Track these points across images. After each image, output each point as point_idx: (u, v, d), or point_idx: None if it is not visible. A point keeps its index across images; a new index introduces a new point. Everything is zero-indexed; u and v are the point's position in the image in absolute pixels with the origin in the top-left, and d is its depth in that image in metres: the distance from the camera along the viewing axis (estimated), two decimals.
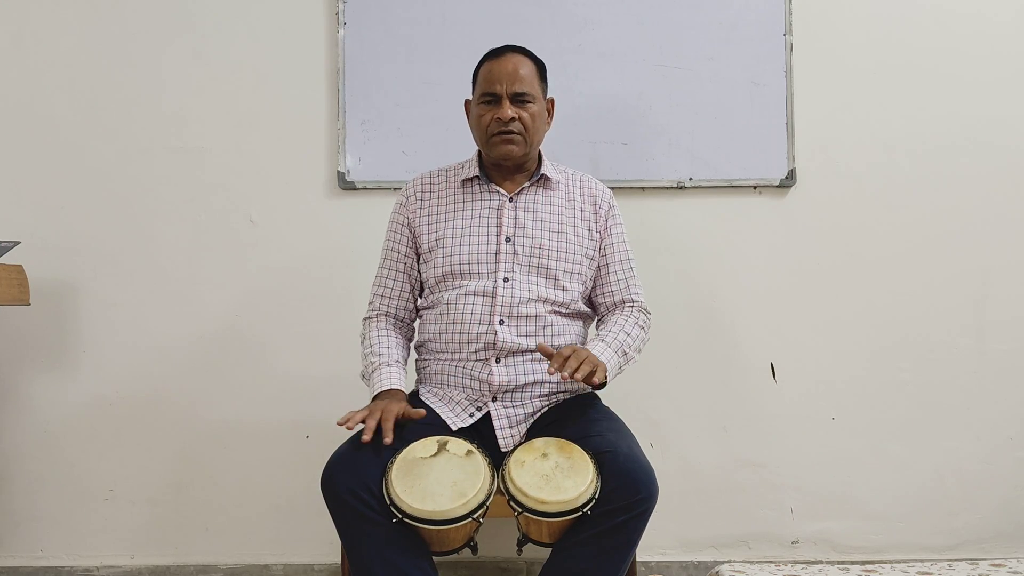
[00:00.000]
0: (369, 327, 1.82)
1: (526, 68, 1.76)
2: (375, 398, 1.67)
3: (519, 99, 1.74)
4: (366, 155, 2.29)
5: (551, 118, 1.85)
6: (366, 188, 2.29)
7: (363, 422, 1.56)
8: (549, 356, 1.61)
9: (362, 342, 1.81)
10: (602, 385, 1.65)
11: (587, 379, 1.57)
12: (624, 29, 2.29)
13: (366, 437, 1.53)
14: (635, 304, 1.84)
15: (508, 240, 1.76)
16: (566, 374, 1.55)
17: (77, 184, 2.31)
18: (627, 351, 1.74)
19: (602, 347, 1.70)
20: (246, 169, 2.31)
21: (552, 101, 1.85)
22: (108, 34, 2.31)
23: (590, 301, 1.87)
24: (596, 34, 2.29)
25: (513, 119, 1.73)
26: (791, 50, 2.29)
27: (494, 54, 1.78)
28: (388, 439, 1.53)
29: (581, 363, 1.57)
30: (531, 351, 1.73)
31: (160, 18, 2.31)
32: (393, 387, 1.68)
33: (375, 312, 1.83)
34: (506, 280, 1.73)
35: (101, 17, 2.31)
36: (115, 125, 2.31)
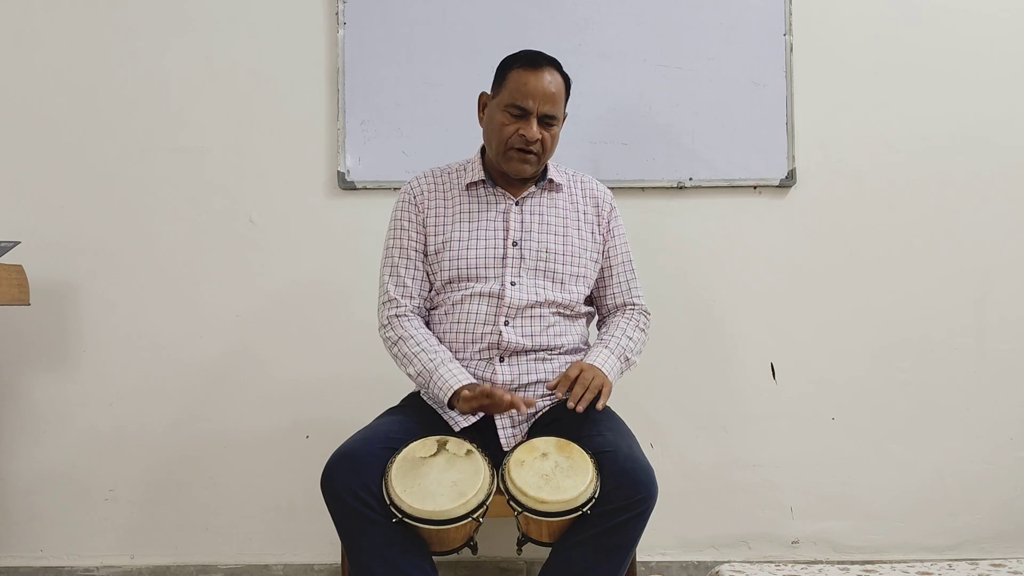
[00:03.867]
0: (403, 326, 1.74)
1: (558, 87, 1.72)
2: (455, 394, 1.63)
3: (546, 120, 1.72)
4: (366, 155, 2.29)
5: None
6: (366, 188, 2.29)
7: (478, 410, 1.61)
8: (554, 388, 1.64)
9: (398, 342, 1.73)
10: None
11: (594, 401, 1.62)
12: (624, 29, 2.29)
13: (524, 410, 1.57)
14: (636, 307, 1.86)
15: (515, 244, 1.76)
16: (571, 404, 1.58)
17: (77, 184, 2.31)
18: (628, 356, 1.77)
19: (606, 353, 1.72)
20: (246, 169, 2.31)
21: (566, 116, 1.82)
22: (108, 34, 2.31)
23: (590, 301, 1.88)
24: (596, 34, 2.29)
25: (537, 140, 1.71)
26: (791, 50, 2.29)
27: (530, 63, 1.72)
28: (532, 402, 1.60)
29: (587, 389, 1.60)
30: (534, 351, 1.73)
31: (160, 18, 2.31)
32: (472, 382, 1.66)
33: (402, 309, 1.76)
34: (513, 284, 1.73)
35: (101, 17, 2.31)
36: (115, 125, 2.31)
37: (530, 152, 1.72)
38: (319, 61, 2.31)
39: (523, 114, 1.70)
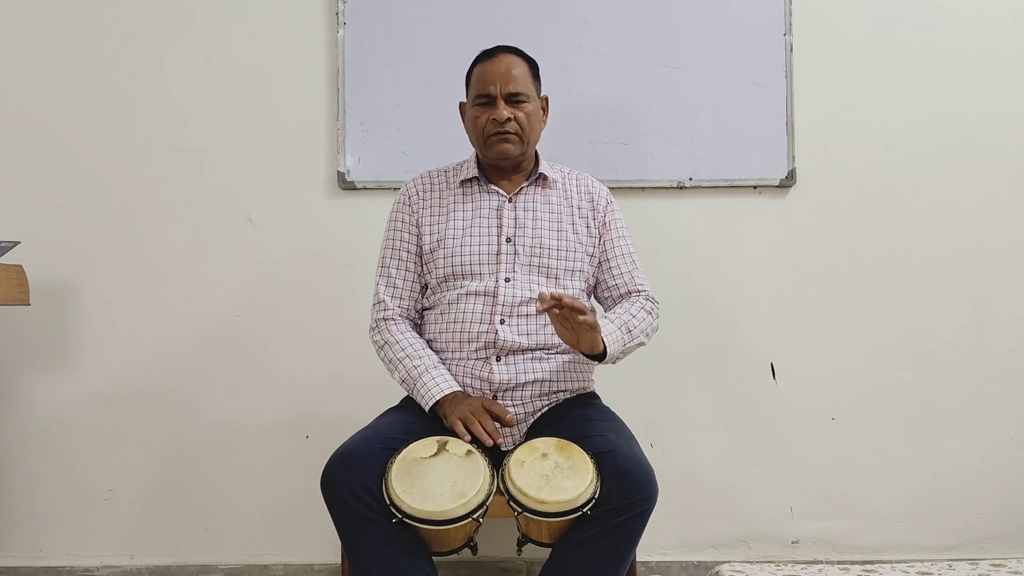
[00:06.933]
0: (390, 330, 1.77)
1: (519, 68, 1.76)
2: (438, 403, 1.66)
3: (513, 99, 1.74)
4: (366, 155, 2.29)
5: (546, 116, 1.86)
6: (366, 188, 2.29)
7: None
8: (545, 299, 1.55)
9: (384, 346, 1.76)
10: (602, 356, 1.65)
11: (584, 336, 1.56)
12: (624, 29, 2.29)
13: (490, 442, 1.57)
14: (641, 293, 1.83)
15: (509, 240, 1.76)
16: (551, 306, 1.51)
17: (77, 184, 2.31)
18: (631, 329, 1.72)
19: (605, 323, 1.69)
20: (246, 169, 2.31)
21: (546, 99, 1.85)
22: (108, 34, 2.31)
23: (595, 297, 1.88)
24: (596, 34, 2.29)
25: (509, 119, 1.73)
26: (791, 50, 2.29)
27: (486, 55, 1.78)
28: (501, 440, 1.60)
29: (575, 307, 1.52)
30: (531, 349, 1.73)
31: (160, 18, 2.31)
32: (455, 390, 1.68)
33: (390, 313, 1.78)
34: (507, 280, 1.73)
35: (101, 17, 2.31)
36: (115, 125, 2.31)
37: (506, 132, 1.73)
38: (319, 61, 2.31)
39: (489, 100, 1.74)
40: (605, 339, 1.64)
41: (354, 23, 2.29)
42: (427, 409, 1.68)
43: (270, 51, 2.31)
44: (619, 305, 1.81)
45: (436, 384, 1.67)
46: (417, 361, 1.71)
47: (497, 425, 1.64)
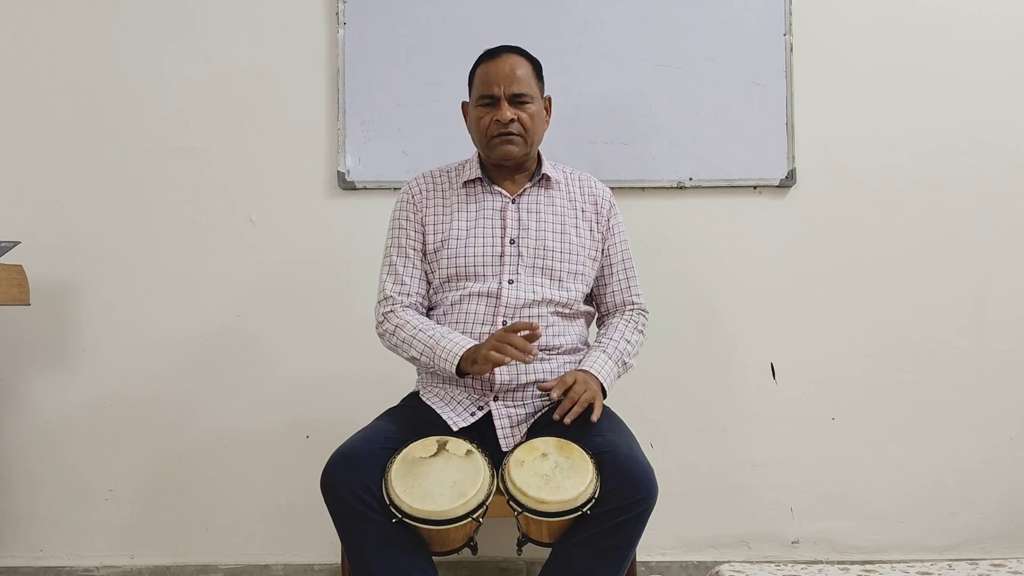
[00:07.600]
0: (399, 314, 1.74)
1: (523, 68, 1.75)
2: (463, 359, 1.63)
3: (517, 100, 1.73)
4: (366, 155, 2.29)
5: (549, 116, 1.85)
6: (366, 188, 2.29)
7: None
8: (548, 390, 1.64)
9: (396, 330, 1.73)
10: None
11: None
12: (624, 29, 2.29)
13: (529, 359, 1.57)
14: (635, 306, 1.86)
15: (512, 242, 1.76)
16: (557, 416, 1.59)
17: (77, 184, 2.31)
18: (626, 360, 1.78)
19: (603, 359, 1.72)
20: (246, 169, 2.31)
21: (549, 99, 1.85)
22: (108, 34, 2.31)
23: (590, 300, 1.88)
24: (596, 34, 2.29)
25: (512, 120, 1.72)
26: (791, 50, 2.29)
27: (490, 55, 1.77)
28: (535, 353, 1.61)
29: (576, 404, 1.60)
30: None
31: (161, 18, 2.31)
32: (475, 343, 1.65)
33: (397, 305, 1.76)
34: (511, 282, 1.73)
35: (101, 17, 2.31)
36: (115, 125, 2.31)
37: (510, 133, 1.73)
38: (319, 61, 2.31)
39: (493, 101, 1.74)
40: (599, 375, 1.69)
41: (354, 23, 2.29)
42: (454, 367, 1.64)
43: (270, 51, 2.31)
44: (614, 324, 1.83)
45: (456, 343, 1.65)
46: (431, 331, 1.69)
47: (509, 421, 1.67)
